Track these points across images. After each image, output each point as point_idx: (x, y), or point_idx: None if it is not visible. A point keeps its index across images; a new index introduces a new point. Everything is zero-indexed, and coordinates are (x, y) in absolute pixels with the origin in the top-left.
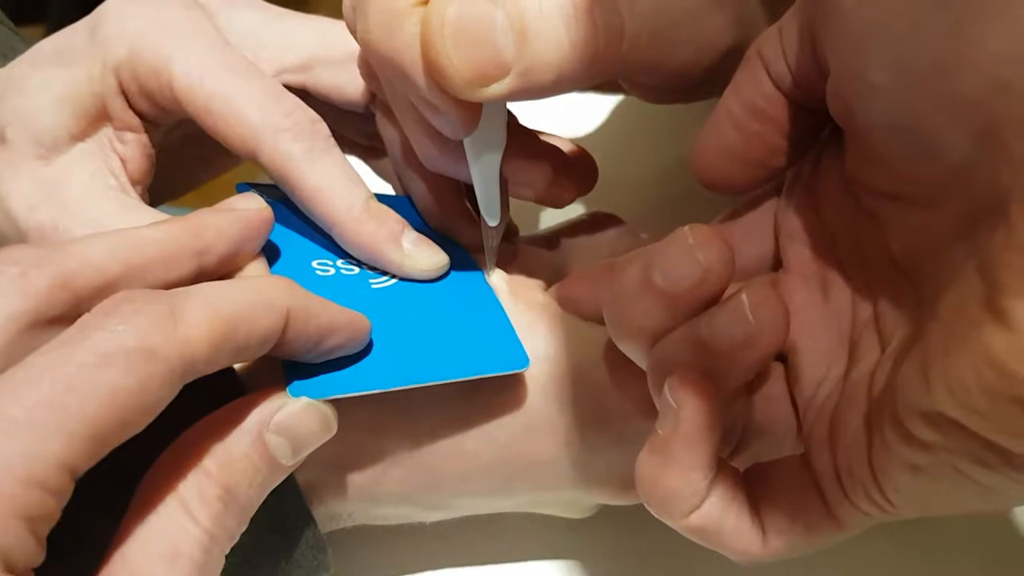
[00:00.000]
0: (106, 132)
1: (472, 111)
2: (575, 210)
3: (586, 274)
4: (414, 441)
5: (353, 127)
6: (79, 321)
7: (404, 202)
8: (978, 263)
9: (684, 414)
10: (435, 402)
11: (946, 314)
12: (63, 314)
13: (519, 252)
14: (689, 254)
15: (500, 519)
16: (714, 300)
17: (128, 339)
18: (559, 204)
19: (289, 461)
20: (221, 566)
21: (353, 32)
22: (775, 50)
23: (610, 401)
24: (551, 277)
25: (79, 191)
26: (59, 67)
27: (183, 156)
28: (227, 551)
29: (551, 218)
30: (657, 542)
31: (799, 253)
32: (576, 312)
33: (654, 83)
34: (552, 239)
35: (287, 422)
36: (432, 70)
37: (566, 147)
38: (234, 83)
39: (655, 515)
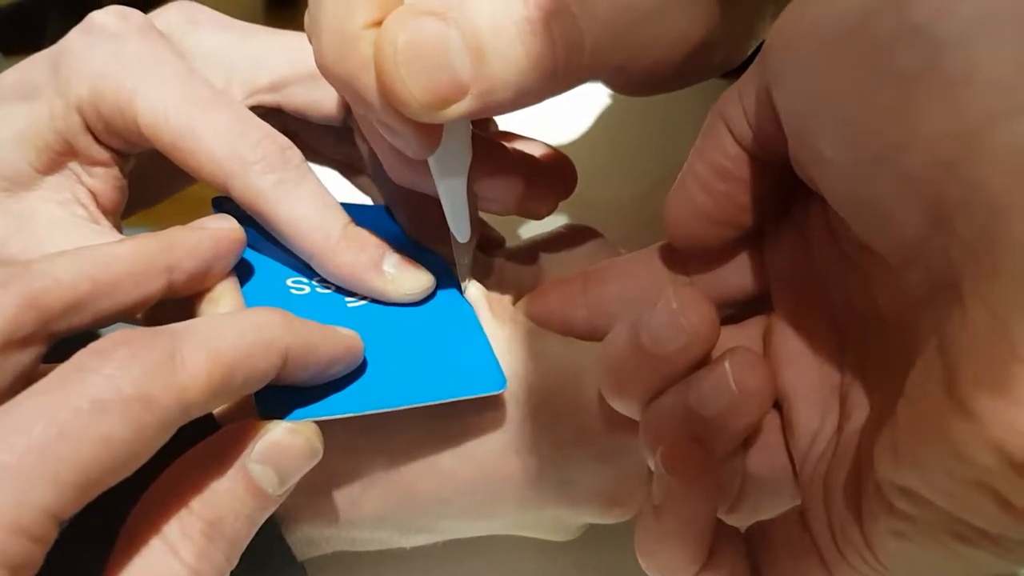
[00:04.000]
0: (73, 167)
1: (432, 132)
2: (555, 221)
3: (557, 287)
4: (390, 459)
5: (330, 142)
6: (74, 360)
7: (381, 212)
8: (939, 342)
9: (677, 486)
10: (412, 419)
11: (912, 393)
12: (33, 334)
13: (497, 265)
14: (674, 318)
15: (484, 542)
16: (703, 360)
17: (125, 385)
18: (536, 216)
19: (277, 491)
20: None
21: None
22: (736, 111)
23: (590, 417)
24: (529, 290)
25: (48, 223)
26: (20, 102)
27: (153, 167)
28: None
29: (532, 228)
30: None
31: (790, 298)
32: (547, 326)
33: (625, 81)
34: (531, 252)
35: (270, 450)
36: (387, 95)
37: (543, 153)
38: (199, 117)
39: None
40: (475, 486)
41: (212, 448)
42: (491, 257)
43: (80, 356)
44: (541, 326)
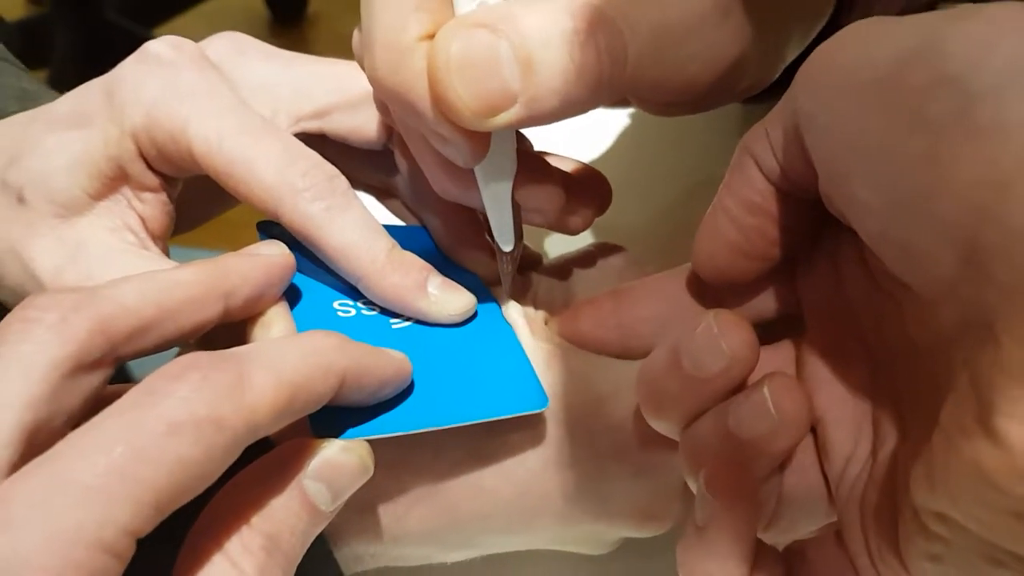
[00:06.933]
0: (124, 192)
1: (481, 140)
2: (579, 241)
3: (588, 307)
4: (435, 477)
5: (367, 169)
6: (146, 383)
7: (420, 232)
8: (971, 375)
9: (719, 507)
10: (455, 439)
11: (946, 422)
12: (101, 358)
13: (533, 282)
14: (715, 342)
15: (520, 556)
16: (742, 383)
17: (198, 408)
18: (572, 230)
19: (329, 507)
20: None
21: (363, 67)
22: (763, 146)
23: (626, 434)
24: (561, 307)
25: (100, 250)
26: (74, 129)
27: (195, 191)
28: None
29: (558, 249)
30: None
31: (822, 324)
32: (580, 345)
33: (660, 99)
34: (563, 269)
35: (324, 467)
36: (440, 104)
37: (578, 169)
38: (251, 146)
39: None
40: (516, 503)
41: (269, 466)
42: (526, 274)
43: (152, 379)
44: (572, 343)
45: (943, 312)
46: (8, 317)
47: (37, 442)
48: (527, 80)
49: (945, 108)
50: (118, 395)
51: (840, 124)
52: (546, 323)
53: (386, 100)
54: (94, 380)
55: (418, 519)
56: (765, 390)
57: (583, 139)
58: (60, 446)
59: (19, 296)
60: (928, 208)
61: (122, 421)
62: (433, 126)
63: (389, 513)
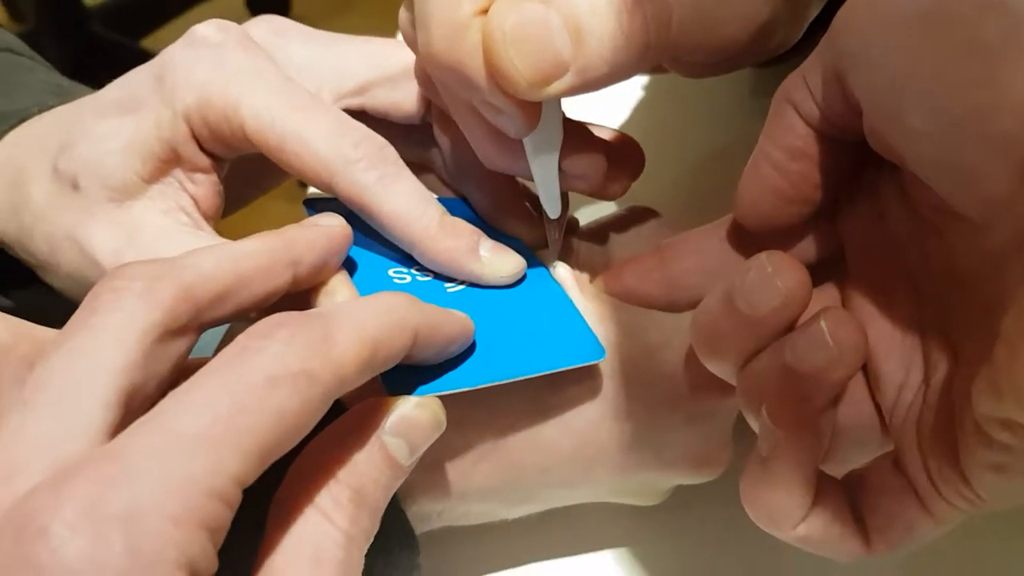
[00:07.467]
0: (176, 174)
1: (533, 110)
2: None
3: (632, 264)
4: (497, 433)
5: (403, 144)
6: (237, 342)
7: (460, 204)
8: None
9: (783, 437)
10: (514, 395)
11: (1009, 333)
12: (187, 324)
13: (573, 246)
14: (769, 281)
15: (573, 512)
16: (795, 322)
17: (291, 362)
18: (612, 195)
19: (407, 461)
20: (362, 565)
21: (411, 44)
22: (802, 94)
23: (679, 382)
24: (601, 269)
25: (156, 232)
26: (125, 114)
27: (233, 175)
28: (365, 550)
29: (591, 216)
30: (727, 525)
31: (865, 262)
32: (627, 300)
33: (698, 60)
34: (601, 233)
35: (401, 423)
36: (496, 75)
37: (615, 137)
38: (303, 120)
39: (762, 527)
40: (575, 455)
41: (349, 424)
42: (567, 238)
43: (242, 339)
44: (619, 299)
45: (996, 233)
46: (95, 289)
47: (132, 407)
48: (578, 49)
49: (996, 32)
50: (200, 366)
51: (889, 58)
52: (591, 283)
53: (440, 75)
54: (180, 346)
55: (483, 474)
56: (822, 322)
57: (596, 110)
58: (164, 404)
59: (77, 283)
60: (984, 129)
61: (222, 377)
62: (488, 98)
63: (456, 469)
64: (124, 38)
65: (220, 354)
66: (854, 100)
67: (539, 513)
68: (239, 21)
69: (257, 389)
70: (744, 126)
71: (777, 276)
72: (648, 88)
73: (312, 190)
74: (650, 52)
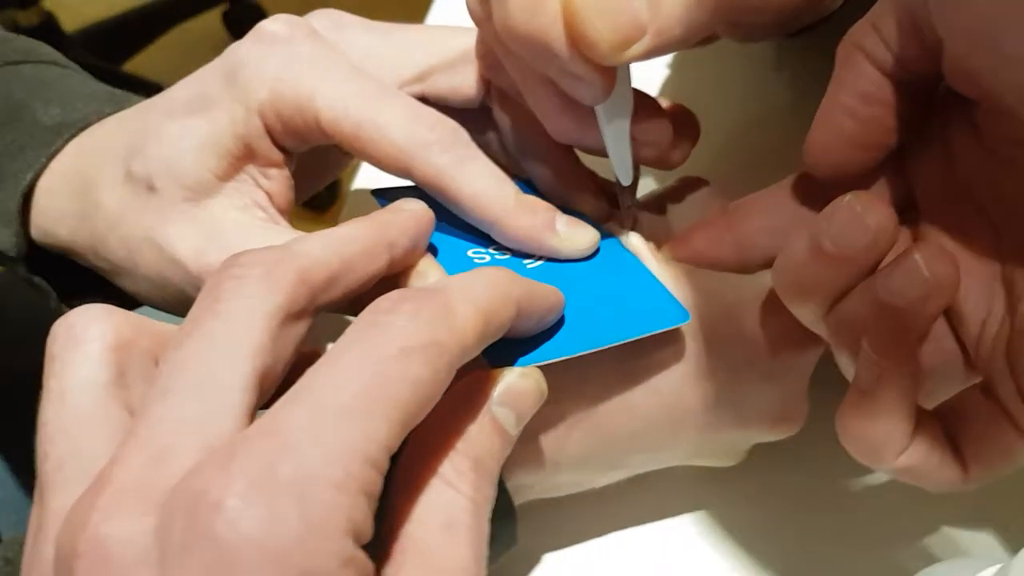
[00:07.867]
0: (249, 170)
1: (611, 76)
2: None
3: (699, 229)
4: (589, 401)
5: None
6: (362, 319)
7: (522, 185)
8: None
9: (886, 367)
10: (602, 363)
11: None
12: (305, 307)
13: (638, 217)
14: (859, 220)
15: (654, 477)
16: (880, 261)
17: (421, 334)
18: (675, 162)
19: (515, 430)
20: (488, 530)
21: (479, 22)
22: (873, 41)
23: (756, 341)
24: (663, 239)
25: (235, 229)
26: (197, 114)
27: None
28: (488, 517)
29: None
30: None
31: (938, 203)
32: (697, 264)
33: (757, 21)
34: (659, 203)
35: (507, 393)
36: (578, 41)
37: (672, 106)
38: (376, 108)
39: (862, 461)
40: (662, 417)
41: (459, 397)
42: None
43: (367, 315)
44: (689, 263)
45: None
46: (215, 277)
47: (265, 388)
48: (655, 10)
49: None
50: (317, 354)
51: None
52: (659, 251)
53: (519, 47)
54: (300, 329)
55: (576, 443)
56: (917, 256)
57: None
58: (306, 379)
59: (154, 284)
60: None
61: (358, 350)
62: (568, 66)
63: (550, 439)
64: (106, 63)
65: (349, 330)
66: (932, 41)
67: (627, 480)
68: (217, 39)
69: (394, 360)
70: (771, 99)
71: (866, 215)
72: (672, 66)
73: (356, 186)
74: (720, 11)
